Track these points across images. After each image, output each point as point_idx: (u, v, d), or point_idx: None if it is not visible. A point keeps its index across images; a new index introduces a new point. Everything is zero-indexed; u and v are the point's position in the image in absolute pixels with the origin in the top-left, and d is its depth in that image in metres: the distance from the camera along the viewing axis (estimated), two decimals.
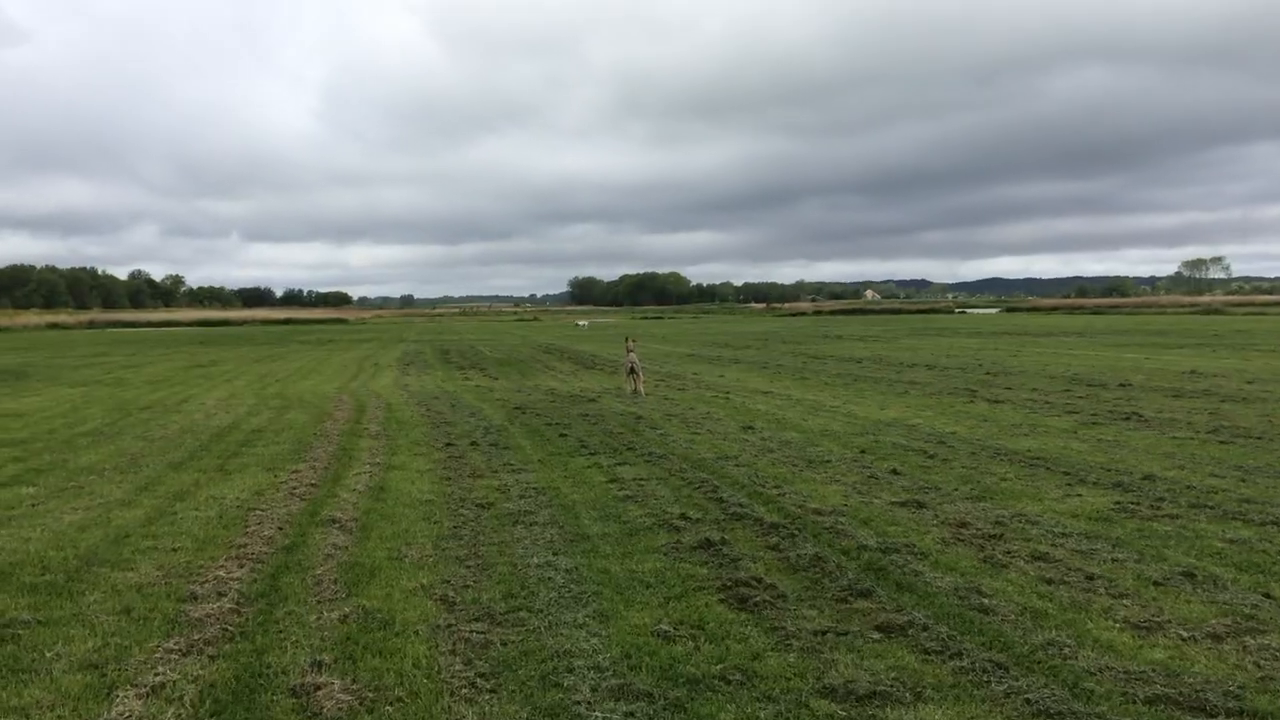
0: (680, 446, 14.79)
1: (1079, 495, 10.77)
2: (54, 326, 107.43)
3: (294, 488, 11.78)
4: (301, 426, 17.75)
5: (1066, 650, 6.10)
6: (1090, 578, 7.63)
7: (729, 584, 7.53)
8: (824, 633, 6.49)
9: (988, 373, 28.00)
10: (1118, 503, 10.33)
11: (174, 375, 32.23)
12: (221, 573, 8.01)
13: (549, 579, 7.80)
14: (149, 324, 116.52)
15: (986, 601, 7.04)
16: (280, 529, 9.59)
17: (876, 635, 6.44)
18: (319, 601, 7.28)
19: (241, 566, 8.21)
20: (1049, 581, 7.55)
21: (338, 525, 9.71)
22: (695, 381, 27.01)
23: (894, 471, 12.29)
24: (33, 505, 11.08)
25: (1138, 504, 10.25)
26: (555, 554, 8.57)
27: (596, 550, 8.70)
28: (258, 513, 10.36)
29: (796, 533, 9.08)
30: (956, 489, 11.17)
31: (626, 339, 26.13)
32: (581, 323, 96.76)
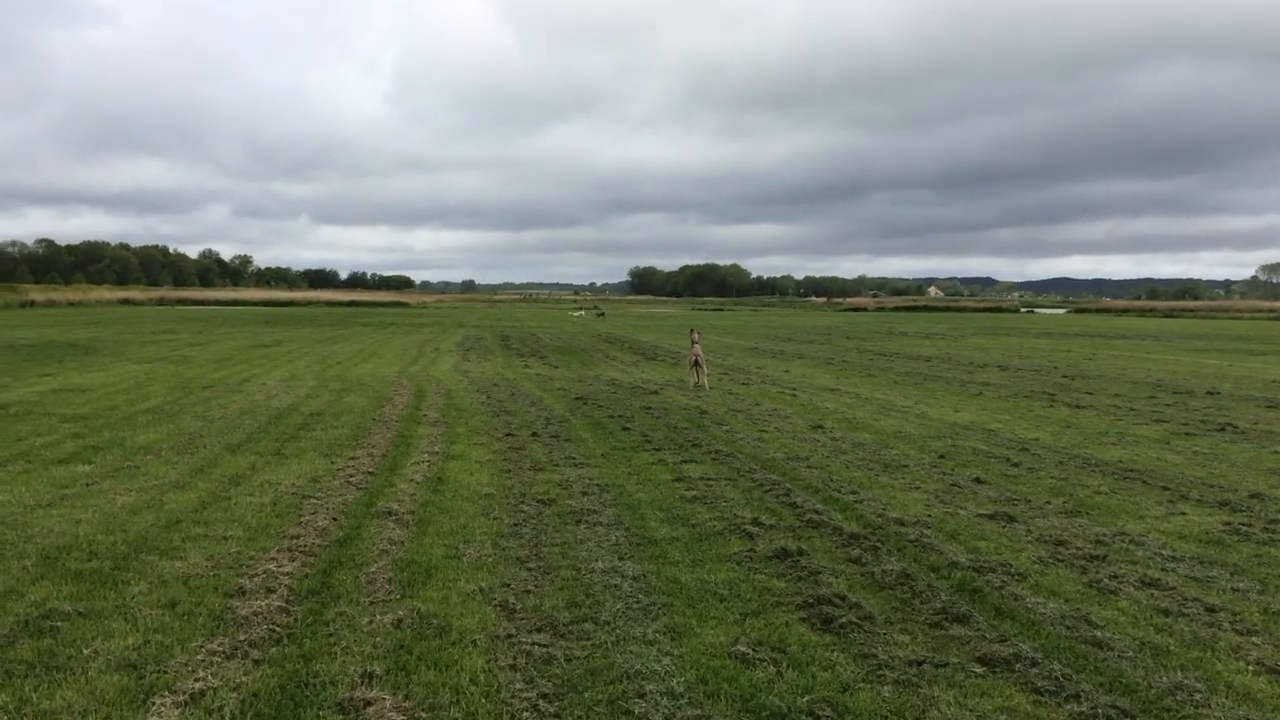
0: (748, 445, 14.21)
1: (1183, 514, 10.00)
2: (125, 302, 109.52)
3: (350, 476, 11.41)
4: (360, 411, 17.46)
5: (1198, 696, 5.44)
6: (1211, 609, 6.93)
7: (810, 601, 6.96)
8: (919, 663, 5.89)
9: (1065, 376, 26.98)
10: (1227, 524, 9.56)
11: (237, 354, 32.32)
12: (272, 565, 7.61)
13: (615, 586, 7.29)
14: (216, 302, 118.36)
15: (1099, 634, 6.38)
16: (335, 520, 9.20)
17: (979, 669, 5.83)
18: (372, 602, 6.85)
19: (293, 560, 7.81)
20: (1165, 612, 6.87)
21: (394, 518, 9.30)
22: (760, 376, 26.37)
23: (977, 480, 11.59)
24: (87, 485, 10.84)
25: (1249, 525, 9.47)
26: (621, 558, 8.06)
27: (665, 556, 8.17)
28: (312, 501, 9.99)
29: (879, 545, 8.47)
30: (1048, 502, 10.46)
31: (691, 330, 25.53)
32: (577, 313, 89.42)
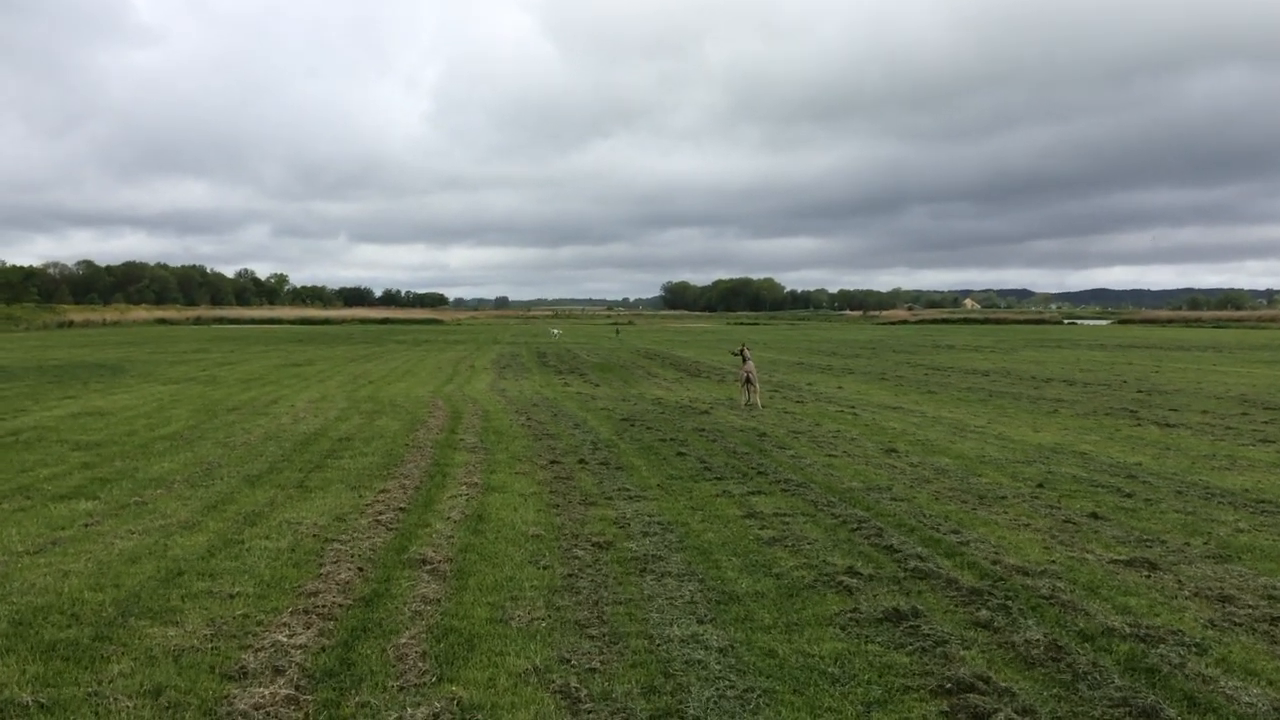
0: (818, 472, 12.81)
1: None
2: (161, 322, 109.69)
3: (380, 513, 10.14)
4: (393, 435, 16.23)
5: None
6: None
7: (947, 685, 5.56)
8: None
9: (1140, 391, 25.31)
10: None
11: (267, 374, 31.31)
12: (283, 635, 6.32)
13: (699, 663, 5.93)
14: (252, 321, 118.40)
15: None
16: (360, 571, 7.91)
17: None
18: (402, 688, 5.53)
19: (308, 626, 6.52)
20: None
21: (429, 568, 7.99)
22: (812, 393, 24.93)
23: (1094, 515, 10.12)
24: (86, 525, 9.63)
25: None
26: (700, 622, 6.70)
27: (752, 619, 6.81)
28: (336, 546, 8.72)
29: (1007, 603, 7.05)
30: (1186, 543, 8.98)
31: (742, 346, 24.12)
32: (554, 330, 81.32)
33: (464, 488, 11.58)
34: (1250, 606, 7.01)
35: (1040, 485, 11.91)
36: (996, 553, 8.56)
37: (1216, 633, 6.49)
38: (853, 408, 21.24)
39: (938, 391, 25.70)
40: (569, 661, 5.96)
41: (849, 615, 6.82)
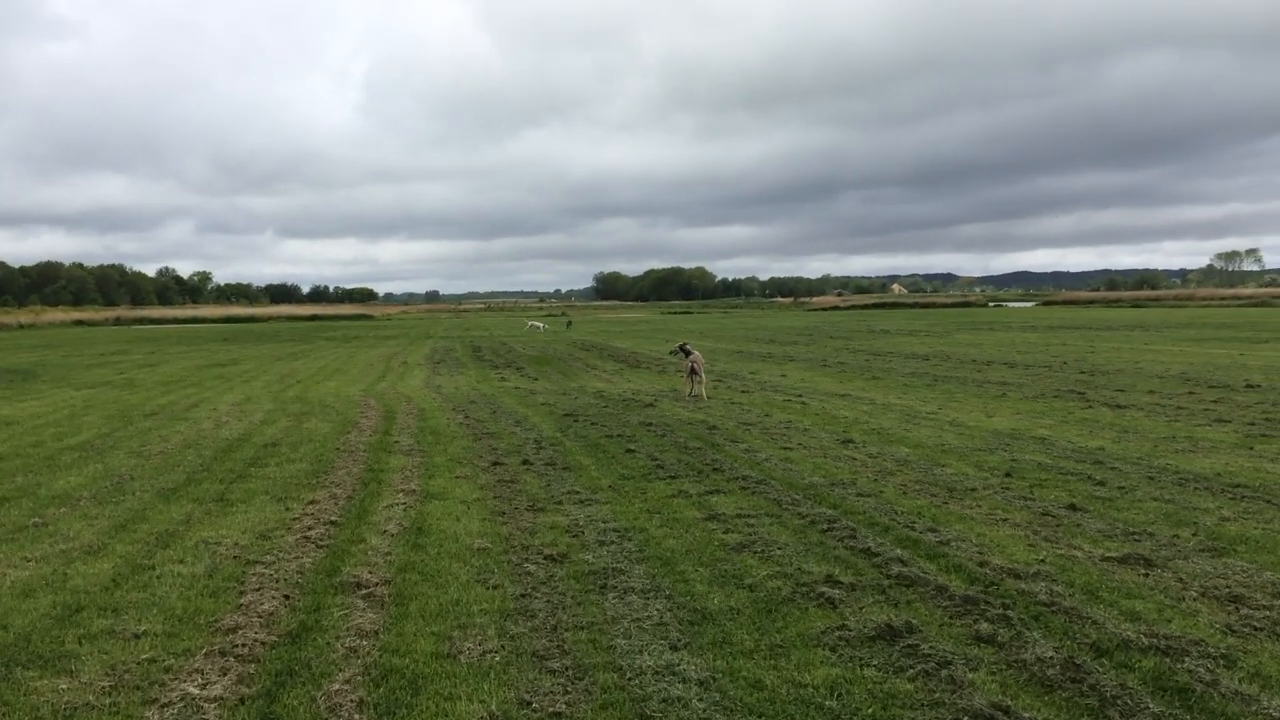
0: (776, 467, 12.17)
1: None
2: (79, 323, 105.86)
3: (309, 528, 9.26)
4: (322, 439, 15.26)
5: None
6: None
7: (963, 719, 4.91)
8: None
9: (1082, 372, 25.19)
10: None
11: (189, 375, 29.90)
12: (194, 685, 5.47)
13: (679, 701, 5.21)
14: (174, 320, 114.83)
15: None
16: (286, 599, 7.05)
17: None
18: None
19: (225, 672, 5.67)
20: None
21: (364, 592, 7.17)
22: (757, 382, 24.37)
23: (1071, 507, 9.62)
24: None
25: None
26: (674, 648, 5.98)
27: (731, 641, 6.11)
28: (259, 570, 7.83)
29: (1006, 612, 6.45)
30: (1175, 535, 8.49)
31: (682, 344, 23.41)
32: (536, 324, 70.67)
33: (401, 496, 10.72)
34: (1265, 607, 6.50)
35: (1008, 475, 11.41)
36: (981, 553, 7.98)
37: (1239, 640, 5.94)
38: (800, 396, 20.71)
39: (882, 377, 25.32)
40: (529, 704, 5.21)
41: (837, 634, 6.15)
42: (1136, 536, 8.43)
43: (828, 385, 23.37)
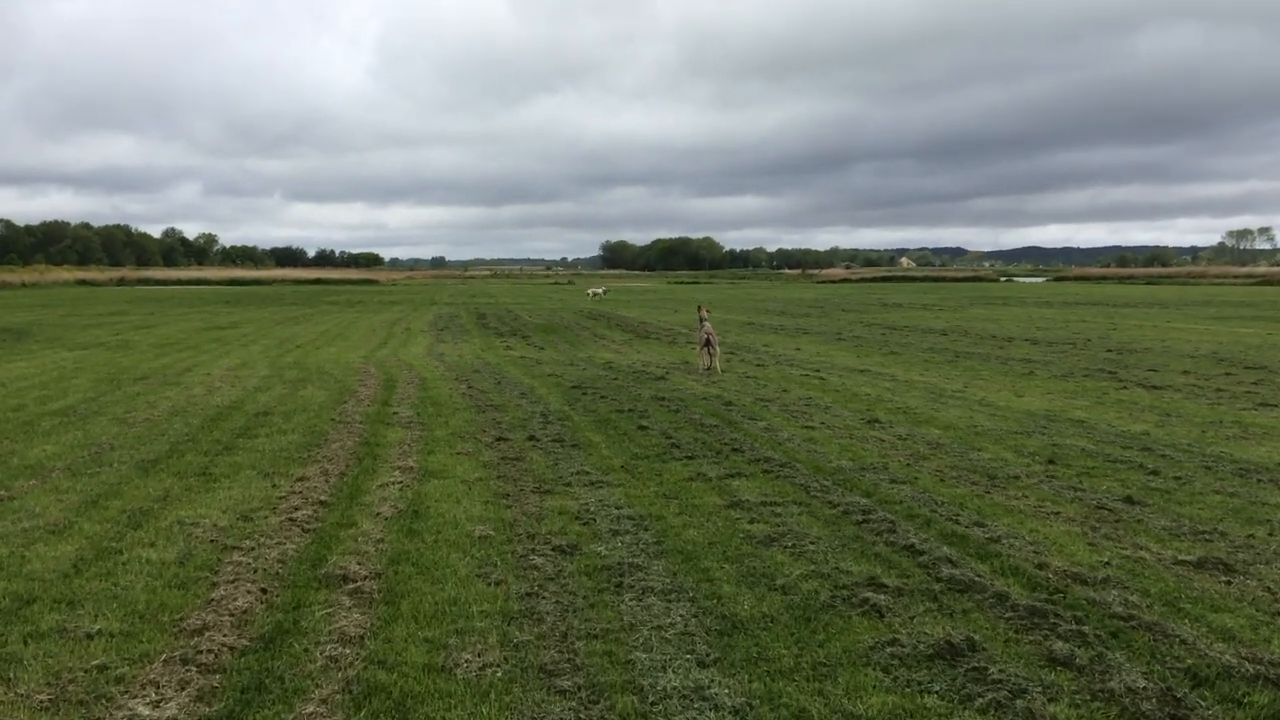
0: (800, 448, 11.37)
1: None
2: (83, 283, 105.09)
3: (295, 508, 8.49)
4: (318, 408, 14.48)
5: None
6: None
7: None
8: None
9: (1109, 350, 24.31)
10: None
11: (186, 338, 29.13)
12: (144, 704, 4.70)
13: None
14: (178, 282, 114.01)
15: None
16: (263, 593, 6.28)
17: None
18: None
19: (184, 686, 4.90)
20: None
21: (351, 587, 6.39)
22: (771, 356, 23.54)
23: (1128, 499, 8.80)
24: None
25: None
26: (702, 664, 5.20)
27: (767, 656, 5.32)
28: (237, 557, 7.06)
29: (1080, 628, 5.65)
30: (1250, 535, 7.68)
31: (699, 307, 22.54)
32: (598, 290, 69.66)
33: (397, 473, 9.94)
34: None
35: (1051, 461, 10.60)
36: (1037, 552, 7.18)
37: None
38: (817, 371, 19.88)
39: (900, 352, 24.47)
40: None
41: (889, 650, 5.36)
42: (1207, 536, 7.62)
43: (845, 360, 22.53)
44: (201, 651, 5.27)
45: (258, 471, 10.09)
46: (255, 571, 6.70)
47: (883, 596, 6.17)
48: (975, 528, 7.84)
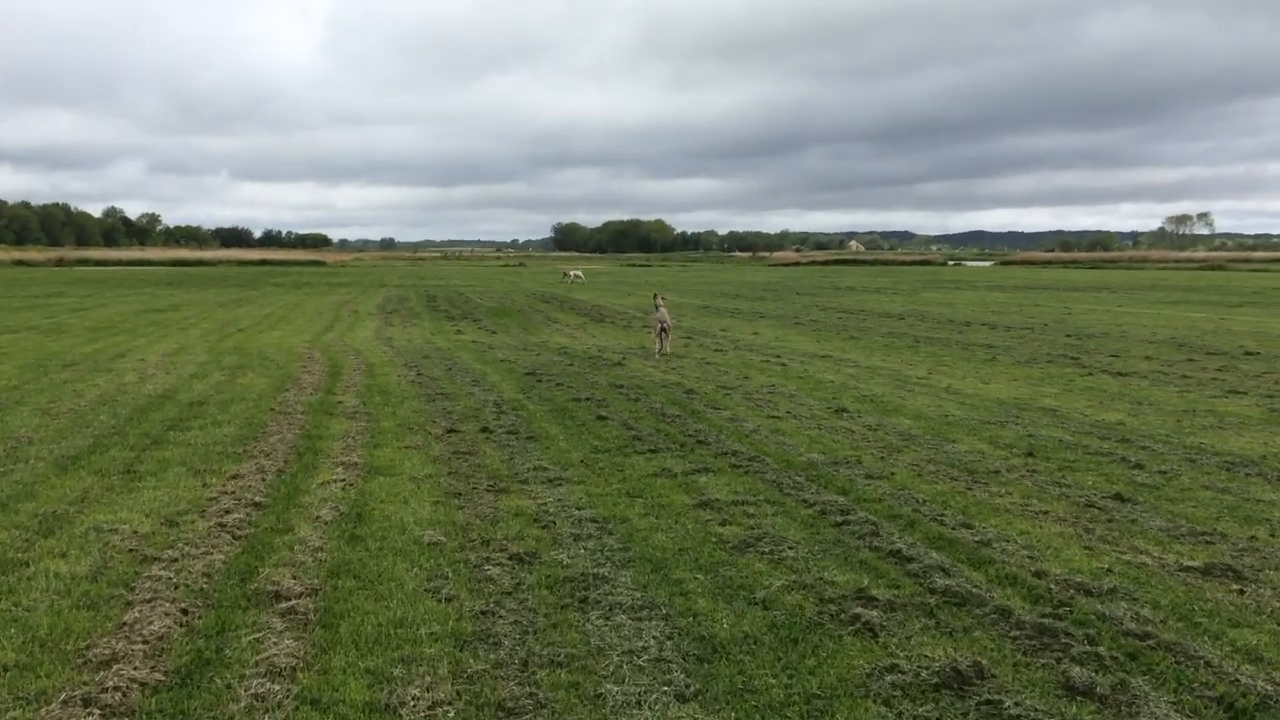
0: (768, 440, 10.83)
1: None
2: (20, 263, 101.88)
3: (226, 510, 7.77)
4: (256, 397, 13.68)
5: None
6: None
7: None
8: None
9: (1067, 335, 24.10)
10: None
11: (123, 321, 27.96)
12: None
13: None
14: (119, 263, 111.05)
15: None
16: (184, 615, 5.59)
17: None
18: None
19: None
20: None
21: (284, 606, 5.72)
22: (730, 340, 23.01)
23: (1117, 497, 8.36)
24: None
25: None
26: (682, 698, 4.62)
27: (754, 687, 4.75)
28: (157, 570, 6.35)
29: (1095, 648, 5.14)
30: (1252, 537, 7.25)
31: (655, 295, 22.05)
32: (573, 273, 65.86)
33: (340, 470, 9.24)
34: None
35: (1029, 454, 10.16)
36: (1032, 558, 6.68)
37: None
38: (778, 356, 19.38)
39: (859, 337, 24.08)
40: None
41: (889, 679, 4.81)
42: (1208, 538, 7.18)
43: (805, 345, 22.07)
44: (107, 690, 4.58)
45: (187, 469, 9.33)
46: (177, 588, 6.00)
47: (874, 612, 5.63)
48: (963, 529, 7.34)
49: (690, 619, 5.60)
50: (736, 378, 16.16)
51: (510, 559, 6.66)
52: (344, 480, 8.84)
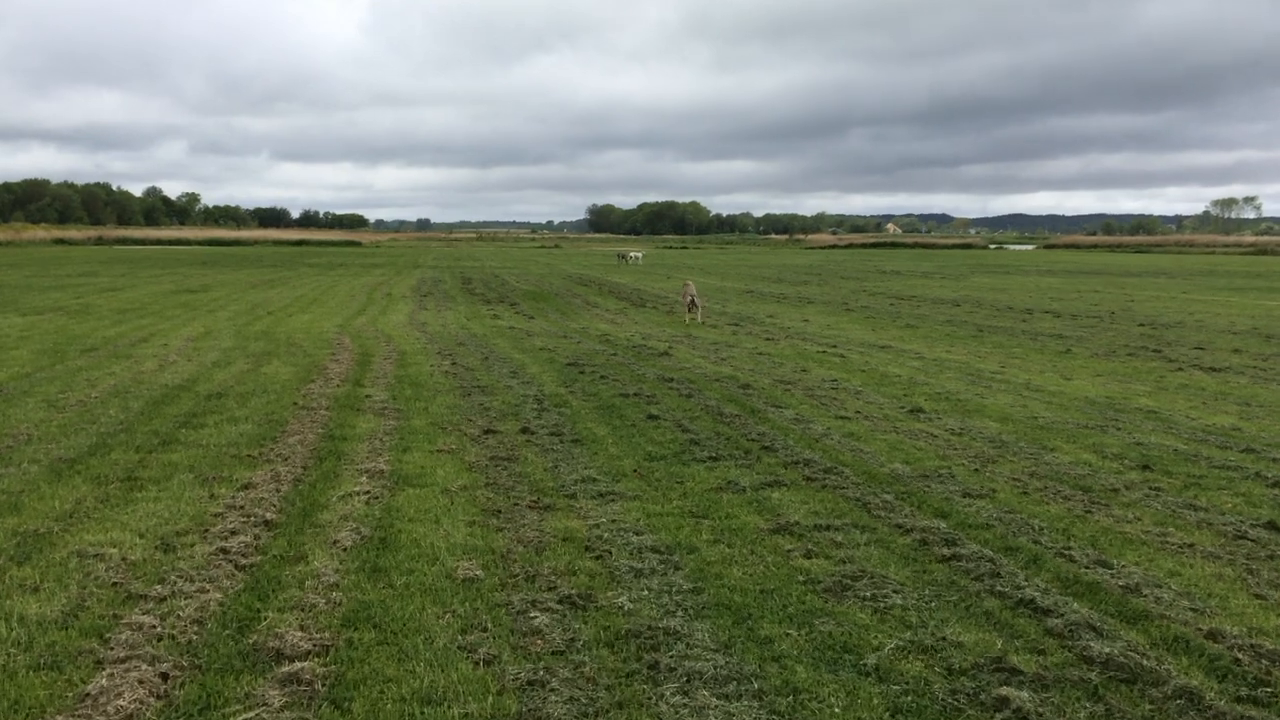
0: (842, 447, 9.65)
1: None
2: (60, 242, 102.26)
3: (232, 531, 6.73)
4: (279, 389, 12.67)
5: None
6: None
7: None
8: None
9: (1140, 324, 22.65)
10: None
11: (152, 303, 27.16)
12: None
13: None
14: (157, 242, 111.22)
15: None
16: (162, 680, 4.52)
17: None
18: None
19: None
20: None
21: (285, 671, 4.64)
22: (780, 328, 21.78)
23: (1271, 526, 7.11)
24: None
25: None
26: None
27: None
28: (139, 613, 5.30)
29: None
30: None
31: (685, 284, 22.78)
32: (633, 254, 62.75)
33: (364, 479, 8.18)
34: None
35: (1145, 467, 8.91)
36: (1196, 611, 5.48)
37: None
38: (834, 346, 18.15)
39: (917, 325, 22.77)
40: None
41: None
42: None
43: (860, 334, 20.80)
44: None
45: (195, 475, 8.30)
46: (159, 640, 4.95)
47: (1023, 693, 4.46)
48: (1099, 568, 6.14)
49: (790, 698, 4.46)
50: (794, 371, 14.96)
51: (560, 602, 5.55)
52: (368, 492, 7.78)
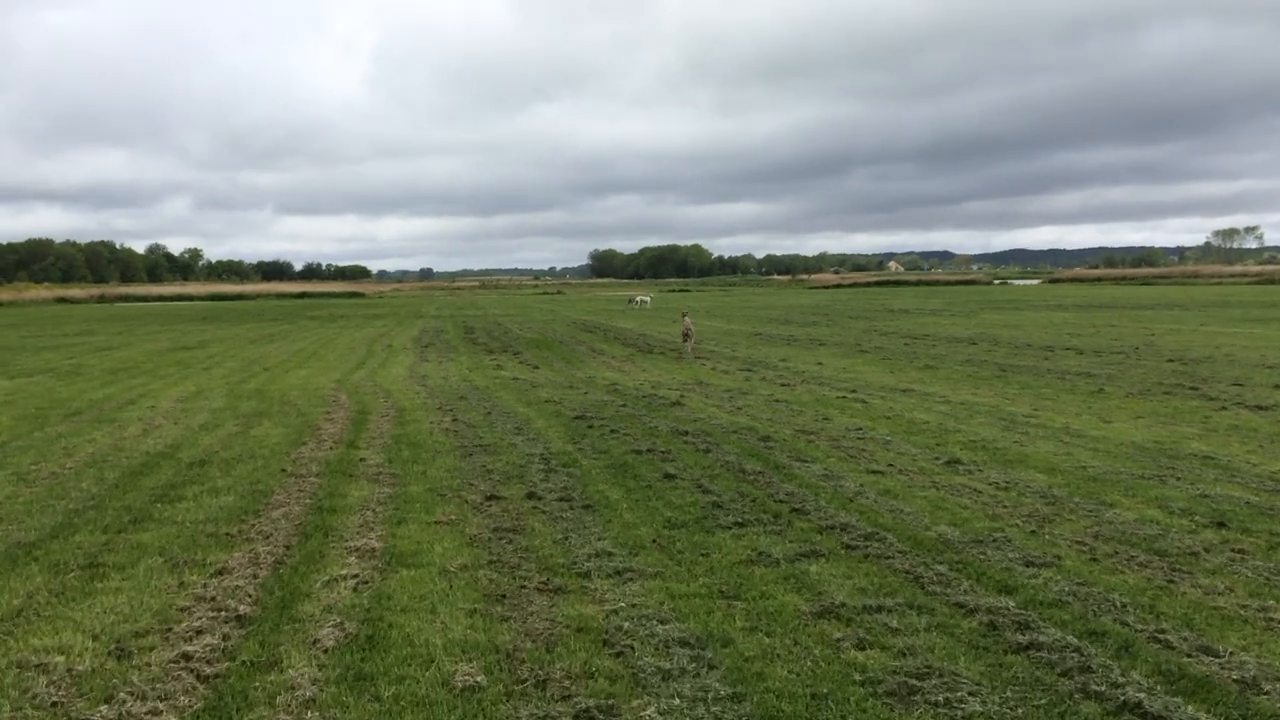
0: (879, 507, 8.78)
1: None
2: (62, 301, 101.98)
3: (198, 630, 5.87)
4: (269, 453, 11.84)
5: None
6: None
7: None
8: None
9: (1169, 360, 21.79)
10: None
11: (144, 362, 26.40)
12: None
13: None
14: (160, 298, 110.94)
15: None
16: None
17: None
18: None
19: None
20: None
21: None
22: (794, 372, 20.94)
23: None
24: None
25: None
26: None
27: None
28: None
29: None
30: None
31: (683, 314, 22.31)
32: (640, 298, 63.00)
33: (353, 560, 7.32)
34: None
35: (1220, 525, 8.03)
36: None
37: None
38: (854, 391, 17.30)
39: (936, 366, 21.92)
40: None
41: None
42: None
43: (879, 377, 19.96)
44: None
45: (164, 560, 7.45)
46: None
47: None
48: (1204, 656, 5.26)
49: None
50: (815, 419, 14.11)
51: (577, 718, 4.68)
52: (356, 576, 6.92)
